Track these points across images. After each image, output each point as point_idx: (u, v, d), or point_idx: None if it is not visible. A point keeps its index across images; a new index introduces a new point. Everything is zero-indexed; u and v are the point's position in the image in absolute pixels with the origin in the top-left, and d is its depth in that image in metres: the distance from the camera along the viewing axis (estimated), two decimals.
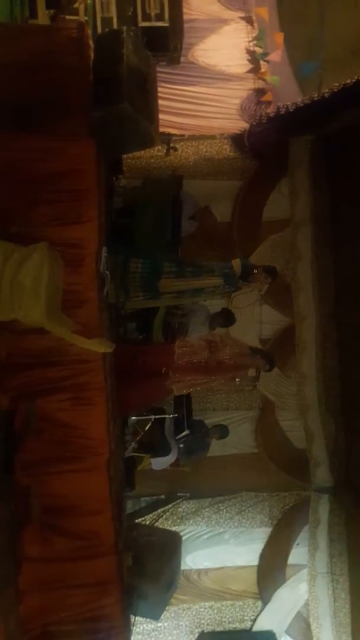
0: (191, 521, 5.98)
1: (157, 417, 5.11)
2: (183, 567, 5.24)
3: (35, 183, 3.27)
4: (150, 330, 5.13)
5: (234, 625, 6.20)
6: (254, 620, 6.19)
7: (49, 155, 3.24)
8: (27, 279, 3.09)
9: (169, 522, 5.95)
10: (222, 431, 5.46)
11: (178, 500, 5.99)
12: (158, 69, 4.24)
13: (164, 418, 5.17)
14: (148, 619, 5.45)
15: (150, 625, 5.79)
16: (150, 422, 5.12)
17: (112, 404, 3.72)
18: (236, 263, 4.48)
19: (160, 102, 3.78)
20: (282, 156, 6.14)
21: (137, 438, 5.09)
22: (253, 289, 5.35)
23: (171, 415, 5.18)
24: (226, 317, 5.51)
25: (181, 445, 5.26)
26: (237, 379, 4.58)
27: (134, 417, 5.03)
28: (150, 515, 5.84)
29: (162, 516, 5.86)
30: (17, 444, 3.43)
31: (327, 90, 4.91)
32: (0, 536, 3.09)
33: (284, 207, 6.28)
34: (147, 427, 5.11)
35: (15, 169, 3.22)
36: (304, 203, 6.20)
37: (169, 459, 5.15)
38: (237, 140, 6.06)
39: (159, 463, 5.16)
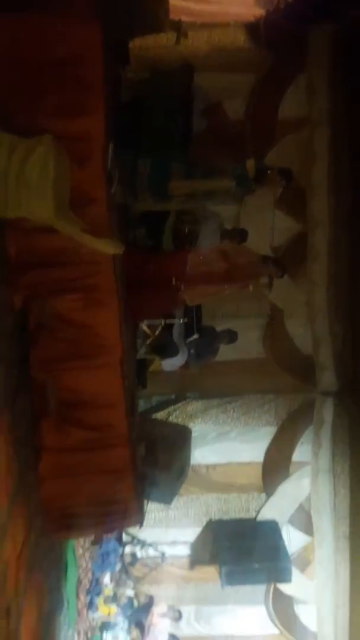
0: (200, 419, 6.24)
1: (167, 321, 5.20)
2: (192, 461, 5.55)
3: (37, 70, 3.08)
4: (160, 237, 5.08)
5: (240, 515, 6.66)
6: (258, 511, 6.62)
7: (52, 38, 3.03)
8: (34, 174, 2.98)
9: (179, 420, 6.20)
10: (231, 336, 5.56)
11: (187, 400, 6.22)
12: None
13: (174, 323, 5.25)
14: (160, 509, 5.88)
15: (161, 514, 6.24)
16: (161, 327, 5.22)
17: (124, 307, 3.76)
18: (250, 164, 4.33)
19: None
20: (300, 49, 5.70)
21: (148, 341, 5.21)
22: (266, 193, 5.20)
23: (181, 320, 5.25)
24: (241, 236, 5.41)
25: (191, 350, 5.38)
26: (250, 287, 4.58)
27: (145, 321, 5.12)
28: (161, 413, 6.10)
29: (172, 414, 6.12)
30: (32, 342, 3.53)
31: None
32: (20, 425, 3.26)
33: (300, 106, 5.91)
34: (157, 332, 5.21)
35: (16, 54, 3.02)
36: (322, 101, 5.83)
37: (179, 361, 5.29)
38: (252, 29, 5.60)
39: (169, 365, 5.32)
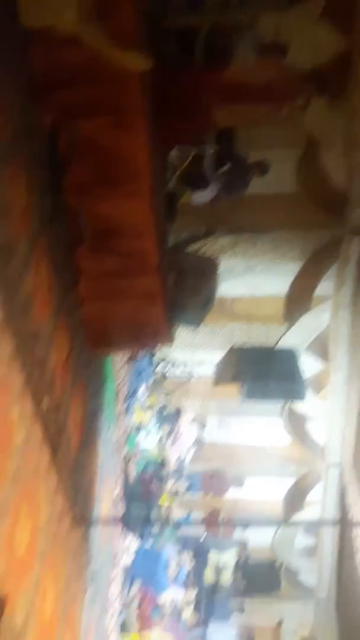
0: (228, 254, 6.36)
1: (197, 151, 5.02)
2: (218, 294, 5.80)
3: None
4: (192, 52, 4.66)
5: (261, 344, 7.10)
6: (279, 338, 7.03)
7: None
8: None
9: (208, 254, 6.34)
10: (263, 167, 5.38)
11: (216, 234, 6.28)
12: None
13: (205, 152, 5.07)
14: (188, 335, 6.30)
15: (189, 338, 6.70)
16: (191, 157, 5.07)
17: (153, 130, 3.65)
18: None
19: None
20: None
21: (177, 172, 5.11)
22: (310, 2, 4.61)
23: (212, 150, 5.06)
24: (279, 50, 4.87)
25: (222, 182, 5.27)
26: (284, 110, 4.29)
27: (174, 151, 4.97)
28: (190, 247, 6.20)
29: (201, 249, 6.22)
30: (64, 167, 3.53)
31: None
32: (58, 249, 3.43)
33: None
34: (187, 161, 5.07)
35: None
36: None
37: (209, 193, 5.22)
38: None
39: (199, 197, 5.27)
